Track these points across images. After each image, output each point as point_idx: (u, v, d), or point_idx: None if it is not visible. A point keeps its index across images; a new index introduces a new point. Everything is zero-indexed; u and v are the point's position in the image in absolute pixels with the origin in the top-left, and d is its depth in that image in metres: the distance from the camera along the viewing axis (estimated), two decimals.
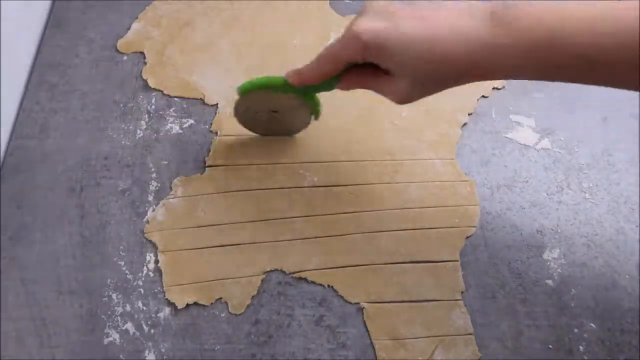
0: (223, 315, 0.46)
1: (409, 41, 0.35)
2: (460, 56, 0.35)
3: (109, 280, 0.47)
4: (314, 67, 0.41)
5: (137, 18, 0.61)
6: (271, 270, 0.48)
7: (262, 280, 0.47)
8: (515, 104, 0.57)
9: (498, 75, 0.37)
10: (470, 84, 0.57)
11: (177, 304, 0.46)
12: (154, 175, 0.52)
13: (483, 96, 0.57)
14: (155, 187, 0.51)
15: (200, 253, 0.48)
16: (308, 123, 0.51)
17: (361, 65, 0.40)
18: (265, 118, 0.50)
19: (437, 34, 0.35)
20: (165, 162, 0.53)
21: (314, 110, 0.48)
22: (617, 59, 0.32)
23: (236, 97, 0.47)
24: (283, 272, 0.47)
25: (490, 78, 0.38)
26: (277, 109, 0.48)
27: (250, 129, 0.53)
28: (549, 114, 0.56)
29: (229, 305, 0.46)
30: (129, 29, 0.61)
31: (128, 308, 0.46)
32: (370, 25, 0.36)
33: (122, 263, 0.48)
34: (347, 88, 0.43)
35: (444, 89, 0.39)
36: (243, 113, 0.50)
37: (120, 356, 0.44)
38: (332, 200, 0.50)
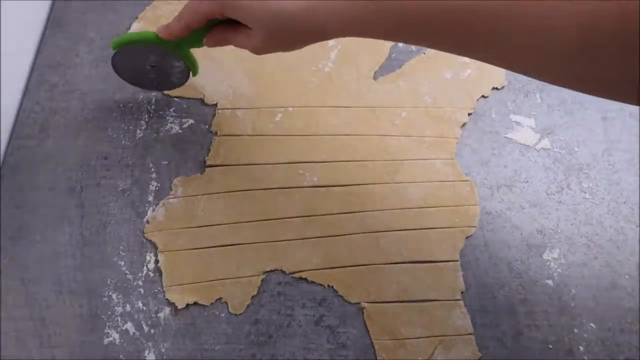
0: (223, 315, 0.46)
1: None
2: (304, 14, 0.37)
3: (109, 280, 0.47)
4: (178, 20, 0.44)
5: (137, 18, 0.61)
6: (271, 270, 0.48)
7: (262, 280, 0.47)
8: (515, 104, 0.57)
9: (347, 33, 0.39)
10: (470, 83, 0.58)
11: (177, 304, 0.46)
12: (154, 175, 0.52)
13: (483, 96, 0.57)
14: (155, 187, 0.51)
15: (200, 253, 0.48)
16: (187, 79, 0.52)
17: (225, 22, 0.43)
18: (146, 72, 0.51)
19: None
20: (165, 162, 0.53)
21: (191, 67, 0.50)
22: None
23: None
24: (283, 272, 0.47)
25: (338, 36, 0.39)
26: (154, 64, 0.50)
27: (136, 85, 0.54)
28: (549, 114, 0.56)
29: (229, 305, 0.46)
30: (129, 29, 0.61)
31: (128, 308, 0.46)
32: None
33: (122, 263, 0.48)
34: (213, 44, 0.45)
35: (295, 47, 0.42)
36: (123, 69, 0.52)
37: (120, 356, 0.44)
38: (332, 200, 0.50)
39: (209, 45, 0.46)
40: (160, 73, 0.51)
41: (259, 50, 0.43)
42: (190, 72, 0.51)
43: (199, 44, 0.46)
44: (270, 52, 0.43)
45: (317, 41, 0.40)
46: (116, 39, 0.47)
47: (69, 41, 0.60)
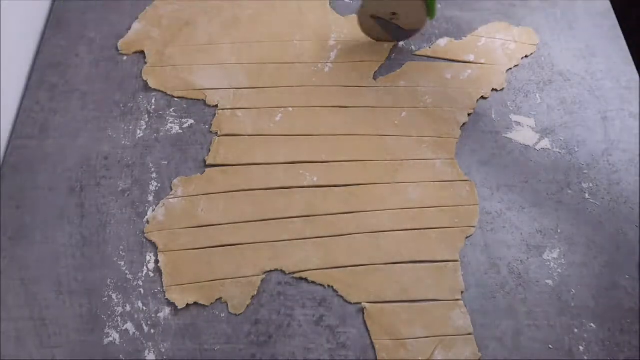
0: (223, 315, 0.46)
1: None
2: None
3: (109, 280, 0.47)
4: None
5: (137, 18, 0.61)
6: (271, 270, 0.48)
7: (262, 280, 0.47)
8: (515, 104, 0.57)
9: None
10: (470, 83, 0.58)
11: (177, 304, 0.46)
12: (154, 175, 0.52)
13: (483, 97, 0.57)
14: (155, 187, 0.51)
15: (200, 253, 0.48)
16: (423, 24, 0.56)
17: None
18: (384, 21, 0.55)
19: None
20: (165, 162, 0.53)
21: (431, 10, 0.53)
22: None
23: None
24: (283, 272, 0.47)
25: None
26: (397, 11, 0.54)
27: (368, 34, 0.59)
28: (549, 114, 0.56)
29: (229, 305, 0.46)
30: (129, 29, 0.61)
31: (128, 308, 0.46)
32: None
33: (122, 263, 0.48)
34: None
35: None
36: (366, 17, 0.56)
37: (120, 356, 0.44)
38: (332, 200, 0.50)
39: None
40: (397, 20, 0.55)
41: None
42: (428, 16, 0.54)
43: None
44: None
45: None
46: None
47: (69, 41, 0.60)
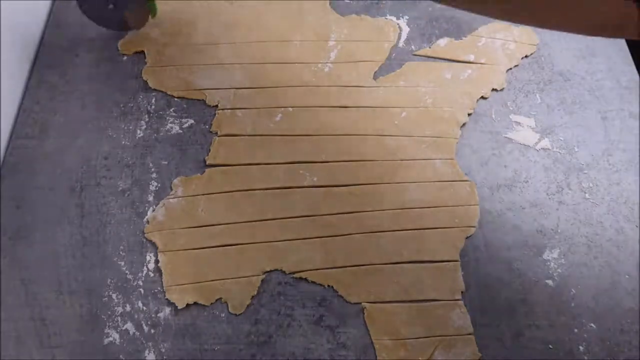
0: (223, 315, 0.46)
1: None
2: None
3: (109, 280, 0.47)
4: None
5: None
6: (271, 270, 0.48)
7: (262, 280, 0.47)
8: (515, 104, 0.57)
9: None
10: (470, 83, 0.58)
11: (177, 304, 0.46)
12: (154, 175, 0.52)
13: (483, 97, 0.57)
14: (155, 187, 0.51)
15: (200, 253, 0.48)
16: (145, 20, 0.58)
17: None
18: (106, 10, 0.55)
19: None
20: (165, 162, 0.53)
21: (151, 7, 0.57)
22: None
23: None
24: (283, 272, 0.47)
25: None
26: (115, 3, 0.54)
27: (94, 21, 0.57)
28: (549, 114, 0.56)
29: (229, 305, 0.46)
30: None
31: (128, 308, 0.46)
32: None
33: (122, 263, 0.48)
34: None
35: None
36: (86, 5, 0.55)
37: (120, 356, 0.44)
38: (332, 200, 0.50)
39: None
40: (118, 12, 0.55)
41: None
42: (150, 13, 0.56)
43: None
44: None
45: None
46: None
47: (69, 41, 0.60)
